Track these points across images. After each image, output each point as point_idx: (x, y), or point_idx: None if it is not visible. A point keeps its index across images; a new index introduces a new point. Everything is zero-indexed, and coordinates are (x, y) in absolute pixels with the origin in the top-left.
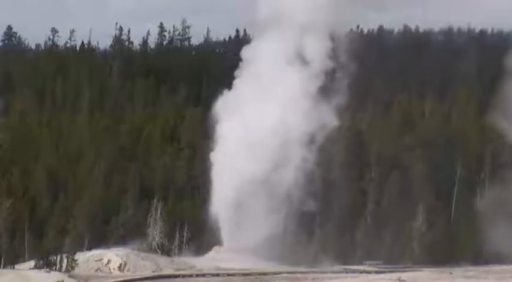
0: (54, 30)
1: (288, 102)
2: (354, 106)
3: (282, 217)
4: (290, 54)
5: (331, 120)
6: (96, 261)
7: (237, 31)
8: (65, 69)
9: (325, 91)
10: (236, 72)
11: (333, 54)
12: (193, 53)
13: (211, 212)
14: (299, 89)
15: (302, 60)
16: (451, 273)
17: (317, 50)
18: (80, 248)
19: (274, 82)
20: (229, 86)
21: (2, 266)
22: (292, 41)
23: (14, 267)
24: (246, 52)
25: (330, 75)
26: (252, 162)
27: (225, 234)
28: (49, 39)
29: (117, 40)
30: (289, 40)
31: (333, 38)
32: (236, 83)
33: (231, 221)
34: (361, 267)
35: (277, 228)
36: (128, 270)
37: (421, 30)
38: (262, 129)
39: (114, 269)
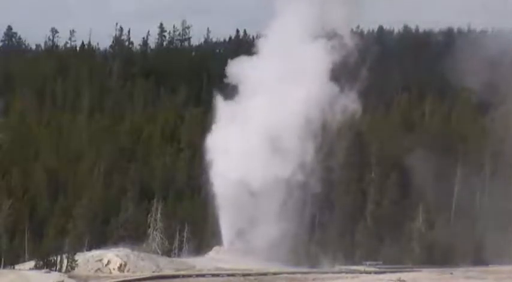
0: (54, 31)
1: (311, 82)
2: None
3: (295, 218)
4: (314, 29)
5: (353, 104)
6: (96, 261)
7: (237, 31)
8: (65, 69)
9: (348, 74)
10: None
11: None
12: (193, 53)
13: (212, 211)
14: (322, 65)
15: (326, 34)
16: (451, 273)
17: (341, 19)
18: (80, 248)
19: (296, 59)
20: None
21: (2, 266)
22: (316, 14)
23: (14, 268)
24: (267, 29)
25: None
26: (264, 155)
27: (226, 234)
28: (49, 39)
29: (117, 40)
30: (313, 13)
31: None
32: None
33: (234, 220)
34: (361, 268)
35: (288, 229)
36: (128, 271)
37: (421, 30)
38: (278, 118)
39: (114, 269)
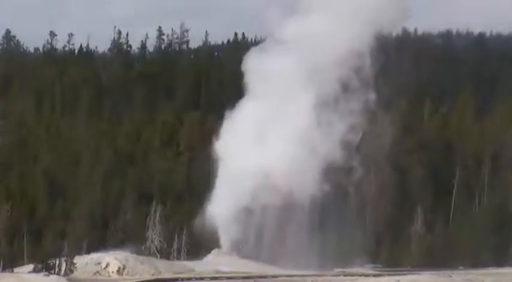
0: (52, 34)
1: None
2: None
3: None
4: None
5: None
6: (95, 264)
7: (236, 34)
8: (64, 72)
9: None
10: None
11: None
12: (192, 56)
13: (212, 214)
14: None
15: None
16: (450, 276)
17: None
18: (79, 251)
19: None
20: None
21: (1, 270)
22: None
23: (12, 271)
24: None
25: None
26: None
27: (224, 236)
28: (47, 42)
29: (116, 44)
30: None
31: None
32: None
33: (233, 223)
34: (360, 270)
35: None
36: (127, 274)
37: (419, 32)
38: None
39: (112, 272)
